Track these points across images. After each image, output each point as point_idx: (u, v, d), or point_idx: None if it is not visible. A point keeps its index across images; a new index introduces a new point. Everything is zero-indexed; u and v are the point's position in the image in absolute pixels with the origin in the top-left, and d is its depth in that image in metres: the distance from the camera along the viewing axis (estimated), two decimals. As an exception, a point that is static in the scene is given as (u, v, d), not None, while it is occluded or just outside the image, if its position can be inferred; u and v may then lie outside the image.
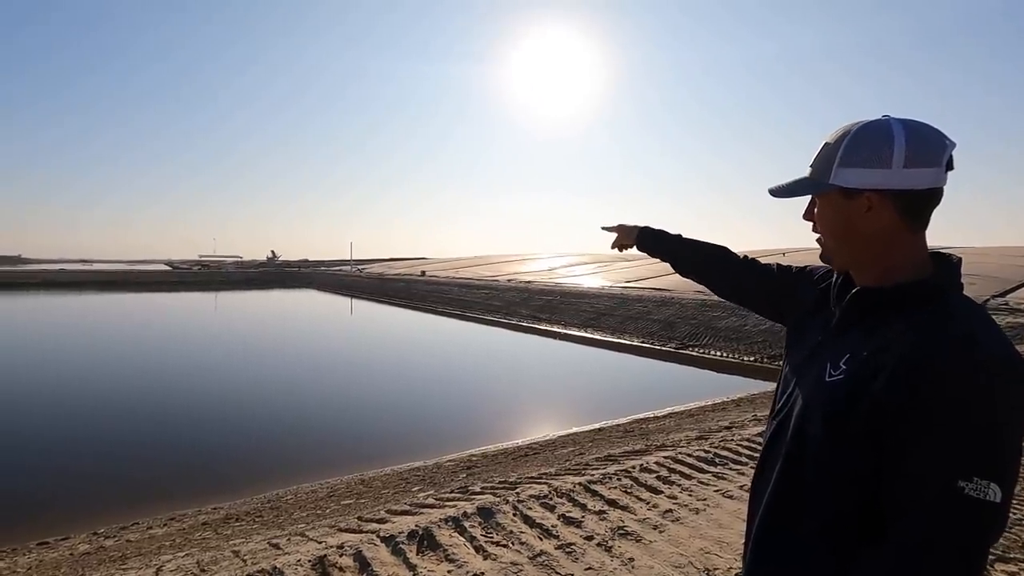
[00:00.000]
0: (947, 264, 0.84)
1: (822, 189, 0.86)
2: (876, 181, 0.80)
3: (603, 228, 1.52)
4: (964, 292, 0.83)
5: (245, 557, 2.85)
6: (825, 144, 0.87)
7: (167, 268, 59.11)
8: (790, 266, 1.17)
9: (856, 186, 0.82)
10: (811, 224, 0.93)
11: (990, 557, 2.57)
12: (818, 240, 0.92)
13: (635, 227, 1.44)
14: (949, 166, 0.80)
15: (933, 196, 0.81)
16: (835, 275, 0.97)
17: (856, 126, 0.83)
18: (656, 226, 1.42)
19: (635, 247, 1.45)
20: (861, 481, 0.77)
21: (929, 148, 0.79)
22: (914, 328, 0.76)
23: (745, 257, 1.26)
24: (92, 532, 4.62)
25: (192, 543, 3.80)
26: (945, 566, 0.69)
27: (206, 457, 6.83)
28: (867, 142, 0.81)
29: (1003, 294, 14.32)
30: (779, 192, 0.93)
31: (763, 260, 1.27)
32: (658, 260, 1.41)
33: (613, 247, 1.52)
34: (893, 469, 0.73)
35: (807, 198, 0.93)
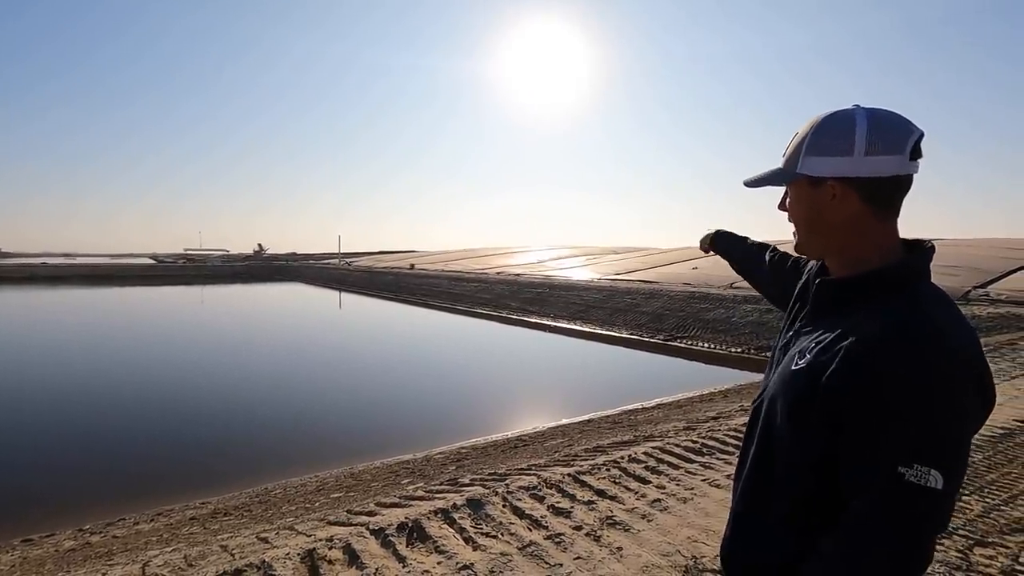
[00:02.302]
0: (917, 252, 0.84)
1: (789, 178, 0.87)
2: (838, 169, 0.81)
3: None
4: (934, 281, 0.84)
5: (233, 551, 2.83)
6: (795, 134, 0.88)
7: (151, 262, 58.20)
8: (798, 259, 1.17)
9: (820, 174, 0.83)
10: (786, 214, 0.94)
11: (968, 541, 2.63)
12: (793, 232, 0.93)
13: (708, 234, 1.53)
14: (916, 154, 0.80)
15: (899, 183, 0.81)
16: (813, 268, 0.99)
17: (822, 116, 0.84)
18: (727, 230, 1.51)
19: (708, 252, 1.55)
20: (821, 467, 0.78)
21: (891, 136, 0.79)
22: (874, 316, 0.77)
23: (785, 258, 1.26)
24: (78, 528, 4.57)
25: (179, 538, 3.77)
26: (886, 550, 0.70)
27: (194, 452, 6.78)
28: (830, 131, 0.82)
29: (984, 285, 14.56)
30: (752, 183, 0.94)
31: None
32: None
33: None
34: (844, 455, 0.75)
35: (783, 189, 0.94)
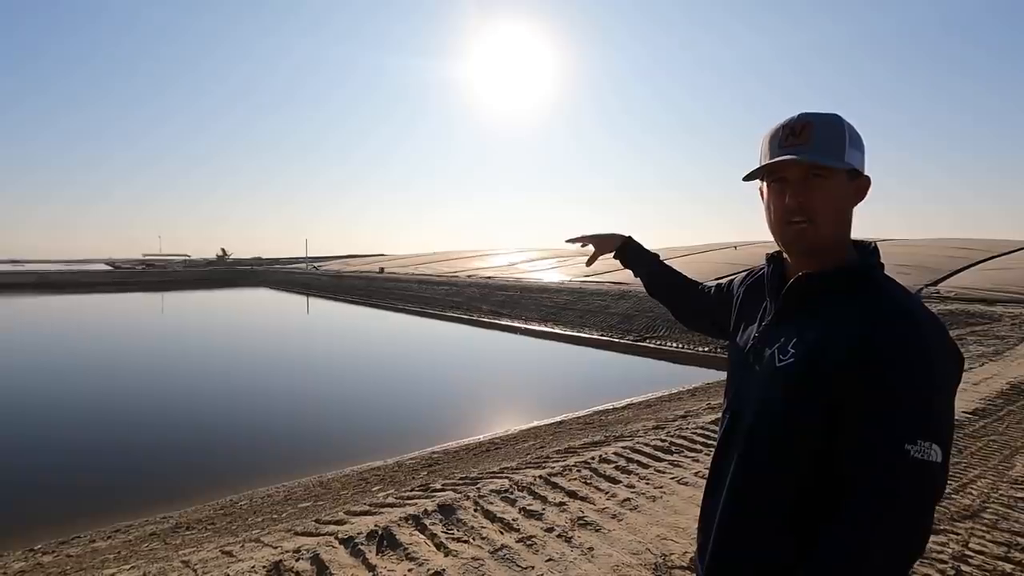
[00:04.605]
0: (870, 249, 0.91)
1: (844, 165, 0.85)
2: (863, 165, 0.88)
3: (569, 241, 1.44)
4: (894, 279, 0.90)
5: (196, 567, 2.74)
6: (806, 123, 0.85)
7: (108, 268, 55.88)
8: (720, 284, 1.25)
9: (860, 168, 0.88)
10: (784, 204, 0.88)
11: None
12: (792, 217, 0.87)
13: (616, 235, 1.41)
14: None
15: None
16: (765, 270, 1.00)
17: (834, 114, 0.88)
18: (637, 240, 1.42)
19: (613, 256, 1.42)
20: (819, 459, 0.80)
21: None
22: (860, 307, 0.81)
23: (707, 288, 1.30)
24: (28, 548, 4.35)
25: (139, 555, 3.63)
26: (898, 525, 0.73)
27: (155, 463, 6.54)
28: (854, 130, 0.88)
29: (935, 283, 15.24)
30: (810, 152, 0.84)
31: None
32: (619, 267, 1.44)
33: (589, 264, 1.47)
34: (847, 439, 0.77)
35: (756, 183, 0.95)
